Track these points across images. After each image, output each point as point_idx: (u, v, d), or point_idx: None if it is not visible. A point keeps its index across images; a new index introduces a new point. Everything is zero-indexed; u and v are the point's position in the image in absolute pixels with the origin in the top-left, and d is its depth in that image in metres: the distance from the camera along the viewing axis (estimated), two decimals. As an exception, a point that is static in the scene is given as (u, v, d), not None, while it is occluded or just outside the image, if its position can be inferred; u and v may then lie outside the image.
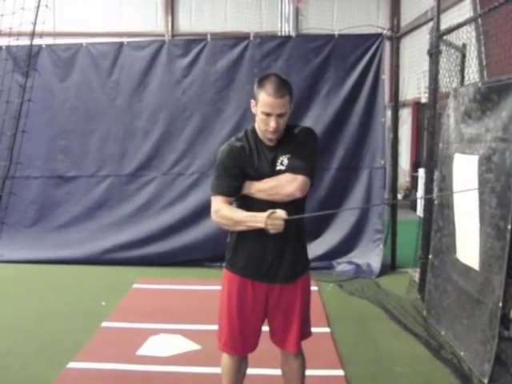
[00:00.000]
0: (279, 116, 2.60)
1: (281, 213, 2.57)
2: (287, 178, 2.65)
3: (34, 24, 4.51)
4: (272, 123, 2.59)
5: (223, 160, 2.73)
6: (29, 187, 7.11)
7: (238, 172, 2.69)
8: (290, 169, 2.66)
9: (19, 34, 4.89)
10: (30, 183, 7.13)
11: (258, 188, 2.68)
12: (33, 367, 3.93)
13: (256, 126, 2.74)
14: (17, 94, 4.74)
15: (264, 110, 2.60)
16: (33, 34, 4.62)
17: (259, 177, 2.69)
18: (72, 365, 3.91)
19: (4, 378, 3.74)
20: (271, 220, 2.55)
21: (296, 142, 2.71)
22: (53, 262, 6.70)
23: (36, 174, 7.17)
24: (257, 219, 2.59)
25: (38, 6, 4.43)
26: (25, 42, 5.07)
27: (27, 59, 4.96)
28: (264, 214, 2.57)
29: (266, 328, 2.88)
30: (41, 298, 5.55)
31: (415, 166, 11.99)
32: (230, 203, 2.73)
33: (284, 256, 2.73)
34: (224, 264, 2.88)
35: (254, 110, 2.69)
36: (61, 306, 5.29)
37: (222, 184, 2.71)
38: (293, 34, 11.70)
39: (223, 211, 2.69)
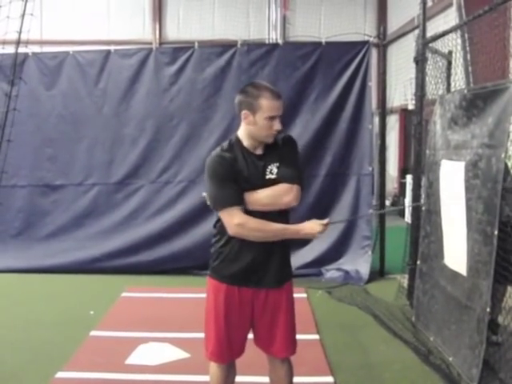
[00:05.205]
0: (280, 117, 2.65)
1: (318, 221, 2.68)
2: (284, 189, 2.65)
3: (20, 32, 4.50)
4: (277, 125, 2.62)
5: (218, 170, 2.61)
6: (15, 196, 7.06)
7: (234, 181, 2.62)
8: (283, 178, 2.65)
9: (4, 43, 4.87)
10: (17, 192, 7.07)
11: (254, 198, 2.63)
12: (21, 377, 3.89)
13: (240, 135, 2.70)
14: (2, 102, 4.71)
15: (270, 114, 2.59)
16: (18, 43, 4.60)
17: (250, 187, 2.63)
18: (60, 374, 3.87)
19: (-9, 389, 3.71)
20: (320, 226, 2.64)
21: (282, 151, 2.71)
22: (40, 271, 6.65)
23: (23, 183, 7.11)
24: (305, 227, 2.66)
25: (23, 15, 4.41)
26: (11, 50, 5.05)
27: (13, 68, 4.94)
28: (312, 222, 2.66)
29: (251, 335, 2.86)
30: (28, 308, 5.50)
31: (403, 173, 12.03)
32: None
33: (271, 261, 2.71)
34: (208, 272, 2.83)
35: (247, 120, 2.63)
36: (49, 316, 5.25)
37: (231, 193, 2.59)
38: (280, 41, 11.76)
39: (252, 224, 2.58)
